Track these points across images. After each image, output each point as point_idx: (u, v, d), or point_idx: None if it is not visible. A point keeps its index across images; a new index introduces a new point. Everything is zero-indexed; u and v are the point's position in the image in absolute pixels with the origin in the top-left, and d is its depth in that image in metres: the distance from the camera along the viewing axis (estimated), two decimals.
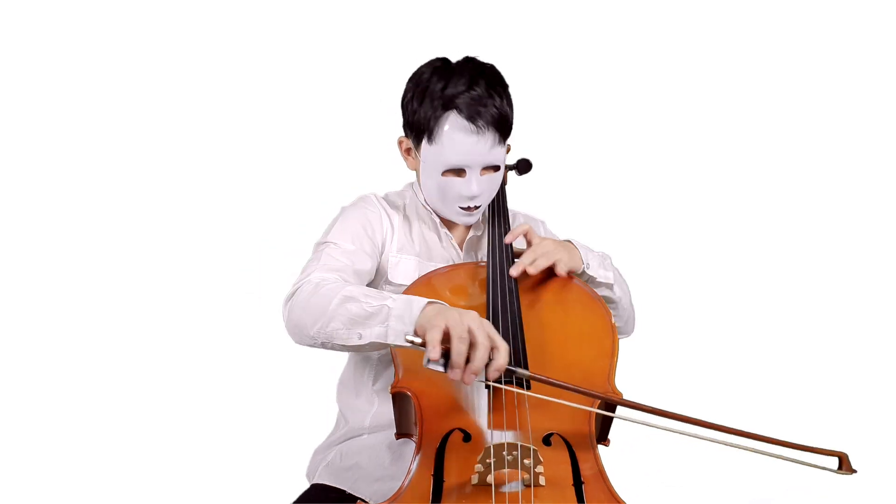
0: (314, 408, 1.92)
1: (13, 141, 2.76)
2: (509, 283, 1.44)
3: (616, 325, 1.67)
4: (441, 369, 1.15)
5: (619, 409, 1.27)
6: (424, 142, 1.50)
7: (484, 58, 1.57)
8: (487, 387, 1.29)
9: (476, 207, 1.54)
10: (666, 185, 2.89)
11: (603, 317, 1.42)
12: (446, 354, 1.15)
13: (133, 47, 2.81)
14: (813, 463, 1.21)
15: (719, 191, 2.89)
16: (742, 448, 1.18)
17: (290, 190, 2.77)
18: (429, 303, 1.22)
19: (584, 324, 1.42)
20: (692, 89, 2.90)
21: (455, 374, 1.15)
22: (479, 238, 1.66)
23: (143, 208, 2.80)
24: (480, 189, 1.50)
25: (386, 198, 1.66)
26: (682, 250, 2.79)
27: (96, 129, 2.80)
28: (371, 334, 1.24)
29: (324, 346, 1.32)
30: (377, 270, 1.56)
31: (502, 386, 1.23)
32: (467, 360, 1.15)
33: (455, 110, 1.45)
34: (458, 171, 1.49)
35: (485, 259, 1.58)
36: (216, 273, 2.75)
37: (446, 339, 1.15)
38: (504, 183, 1.76)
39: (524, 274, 1.45)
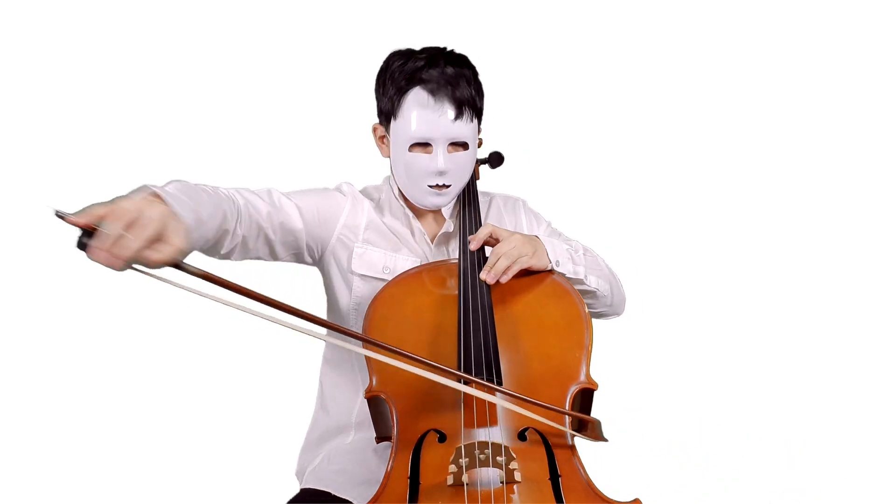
0: (302, 402, 1.92)
1: (12, 141, 2.76)
2: (480, 280, 1.43)
3: (603, 311, 1.67)
4: (83, 247, 0.96)
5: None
6: (392, 121, 1.51)
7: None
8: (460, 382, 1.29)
9: (445, 186, 1.52)
10: (657, 179, 2.87)
11: (576, 306, 1.41)
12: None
13: (125, 46, 2.80)
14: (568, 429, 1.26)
15: (711, 185, 2.86)
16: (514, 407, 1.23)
17: (278, 184, 2.77)
18: (153, 192, 1.07)
19: (556, 315, 1.41)
20: (688, 86, 2.88)
21: (94, 252, 0.95)
22: (450, 234, 1.65)
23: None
24: (447, 165, 1.49)
25: (363, 190, 1.66)
26: (672, 244, 2.78)
27: (88, 127, 2.79)
28: None
29: None
30: (339, 254, 1.57)
31: (473, 391, 1.23)
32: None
33: (418, 85, 1.47)
34: (425, 146, 1.50)
35: (455, 255, 1.59)
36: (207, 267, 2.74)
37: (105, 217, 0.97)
38: (476, 178, 1.76)
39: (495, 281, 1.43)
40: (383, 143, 1.59)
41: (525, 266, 1.45)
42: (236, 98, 2.81)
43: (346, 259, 1.57)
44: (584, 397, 1.33)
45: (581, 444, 1.28)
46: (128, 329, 2.69)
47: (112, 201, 0.98)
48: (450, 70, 1.49)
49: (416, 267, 1.53)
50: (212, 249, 1.36)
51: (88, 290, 2.71)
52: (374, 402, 1.33)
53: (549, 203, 1.82)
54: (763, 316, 2.76)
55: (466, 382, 1.24)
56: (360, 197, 1.62)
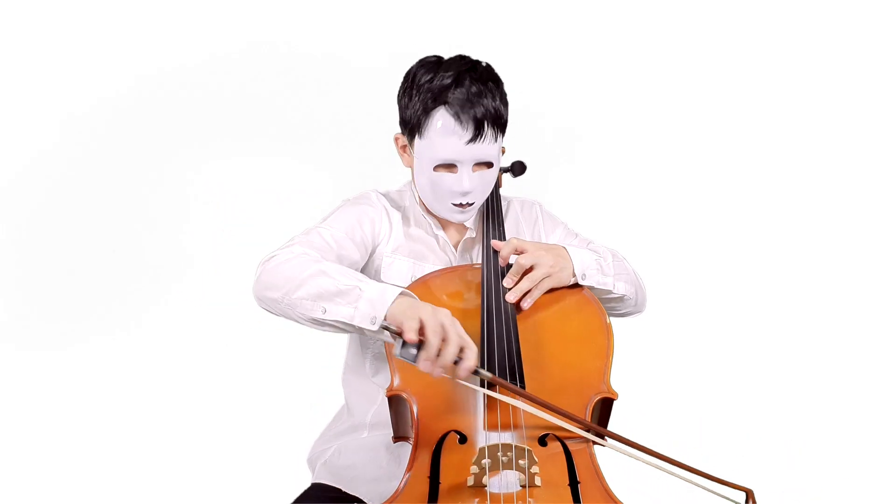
0: (315, 395, 1.93)
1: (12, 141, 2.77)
2: (503, 287, 1.44)
3: (627, 311, 1.66)
4: (412, 360, 1.18)
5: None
6: (416, 137, 1.50)
7: (485, 57, 1.57)
8: (483, 386, 1.30)
9: (469, 205, 1.52)
10: (656, 180, 2.88)
11: (597, 315, 1.43)
12: (417, 346, 1.17)
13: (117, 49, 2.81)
14: (722, 494, 1.22)
15: (710, 186, 2.87)
16: (660, 469, 1.22)
17: (290, 188, 2.78)
18: (401, 293, 1.23)
19: (578, 323, 1.42)
20: (689, 87, 2.90)
21: (425, 365, 1.17)
22: (474, 240, 1.65)
23: (139, 206, 2.79)
24: (472, 185, 1.49)
25: (387, 195, 1.65)
26: (673, 244, 2.78)
27: (79, 128, 2.81)
28: (337, 312, 1.24)
29: (285, 314, 1.31)
30: (368, 269, 1.57)
31: (497, 395, 1.24)
32: (438, 355, 1.17)
33: (445, 105, 1.45)
34: (450, 167, 1.49)
35: (478, 261, 1.59)
36: (217, 266, 2.75)
37: (421, 331, 1.17)
38: (499, 185, 1.77)
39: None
40: (405, 152, 1.59)
41: (548, 288, 1.45)
42: (235, 98, 2.82)
43: (377, 268, 1.57)
44: (604, 406, 1.34)
45: (600, 451, 1.29)
46: (139, 327, 2.70)
47: (409, 313, 1.18)
48: (475, 89, 1.46)
49: (439, 270, 1.54)
50: None
51: (95, 290, 2.73)
52: (394, 400, 1.34)
53: (548, 202, 1.83)
54: (763, 316, 2.77)
55: (490, 385, 1.24)
56: (389, 208, 1.61)
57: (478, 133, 1.45)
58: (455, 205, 1.52)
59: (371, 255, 1.57)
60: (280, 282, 1.30)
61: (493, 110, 1.47)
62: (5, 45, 2.72)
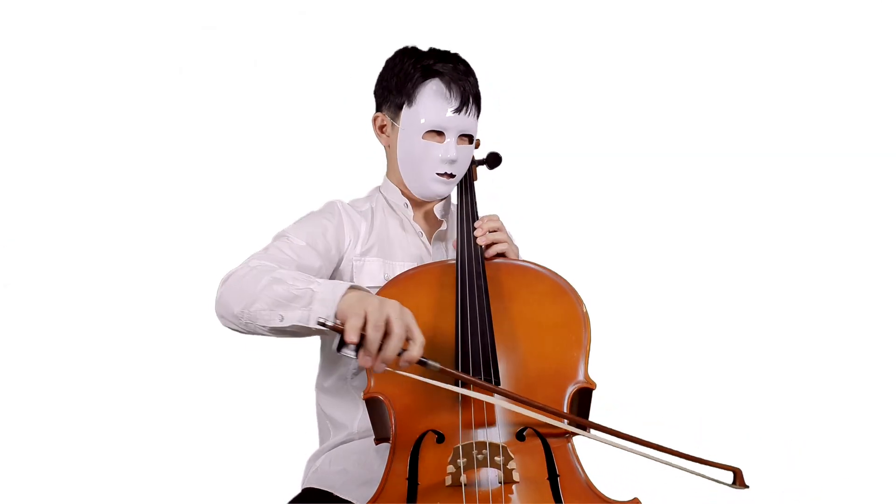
0: (308, 415, 1.92)
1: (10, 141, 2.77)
2: (478, 281, 1.43)
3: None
4: (352, 354, 1.15)
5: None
6: (405, 108, 1.58)
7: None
8: (457, 384, 1.29)
9: (452, 176, 1.59)
10: (655, 179, 2.86)
11: (574, 306, 1.41)
12: (361, 341, 1.14)
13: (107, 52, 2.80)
14: (710, 476, 1.22)
15: (709, 184, 2.85)
16: (645, 456, 1.22)
17: (262, 197, 2.76)
18: (350, 287, 1.21)
19: (554, 314, 1.41)
20: (683, 86, 2.88)
21: (365, 360, 1.14)
22: (444, 234, 1.68)
23: (128, 212, 2.77)
24: (458, 155, 1.57)
25: (352, 204, 1.68)
26: (673, 244, 2.77)
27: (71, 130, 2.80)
28: (293, 317, 1.23)
29: (247, 327, 1.31)
30: (341, 276, 1.58)
31: (471, 394, 1.23)
32: (380, 350, 1.14)
33: (437, 77, 1.56)
34: (438, 135, 1.57)
35: (452, 255, 1.58)
36: (205, 277, 2.74)
37: (365, 326, 1.14)
38: (474, 178, 1.76)
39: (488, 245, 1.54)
40: (383, 132, 1.65)
41: (502, 246, 1.54)
42: (220, 105, 2.80)
43: (349, 272, 1.58)
44: (583, 397, 1.33)
45: (580, 443, 1.28)
46: (130, 337, 2.69)
47: (354, 309, 1.14)
48: (462, 67, 1.60)
49: (413, 268, 1.53)
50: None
51: (87, 297, 2.72)
52: (372, 403, 1.33)
53: (549, 203, 1.82)
54: (763, 316, 2.74)
55: (464, 384, 1.24)
56: (352, 213, 1.64)
57: (464, 104, 1.56)
58: (439, 174, 1.58)
59: (339, 264, 1.58)
60: (237, 297, 1.30)
61: (474, 89, 1.60)
62: None
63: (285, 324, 1.24)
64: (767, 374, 2.68)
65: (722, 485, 1.22)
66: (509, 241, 1.58)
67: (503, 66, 2.66)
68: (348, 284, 1.22)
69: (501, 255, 1.55)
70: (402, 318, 1.15)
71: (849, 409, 2.60)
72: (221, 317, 1.35)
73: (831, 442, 2.55)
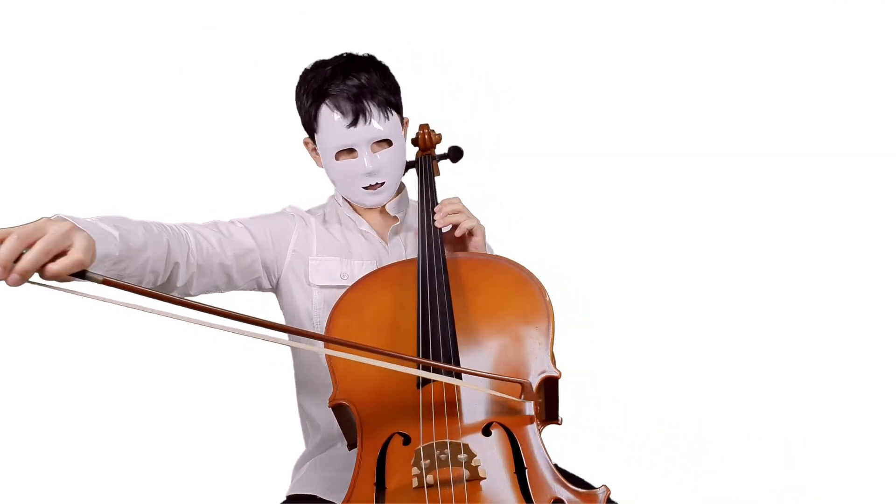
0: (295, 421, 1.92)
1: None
2: (439, 277, 1.42)
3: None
4: None
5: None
6: (316, 134, 1.59)
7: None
8: (419, 385, 1.28)
9: (379, 184, 1.59)
10: (653, 178, 2.85)
11: (536, 295, 1.40)
12: None
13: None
14: (501, 394, 1.24)
15: (709, 183, 2.83)
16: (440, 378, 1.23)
17: (263, 197, 2.74)
18: (56, 216, 1.09)
19: (517, 305, 1.39)
20: (682, 86, 2.87)
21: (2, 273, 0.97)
22: (399, 229, 1.69)
23: (129, 212, 2.77)
24: (375, 165, 1.56)
25: (310, 211, 1.71)
26: (674, 244, 2.76)
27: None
28: None
29: None
30: (298, 273, 1.59)
31: (433, 376, 1.22)
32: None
33: (326, 98, 1.54)
34: (349, 151, 1.57)
35: (411, 249, 1.62)
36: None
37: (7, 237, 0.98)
38: (435, 174, 1.75)
39: (449, 227, 1.55)
40: (316, 153, 1.66)
41: (470, 227, 1.54)
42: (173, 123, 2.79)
43: (304, 272, 1.59)
44: (549, 386, 1.32)
45: (549, 434, 1.27)
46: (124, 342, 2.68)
47: (20, 226, 0.99)
48: (352, 79, 1.54)
49: (375, 270, 1.53)
50: (167, 284, 1.39)
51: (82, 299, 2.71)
52: (338, 409, 1.32)
53: (548, 202, 1.81)
54: (763, 316, 2.73)
55: (426, 368, 1.23)
56: (305, 215, 1.67)
57: (358, 115, 1.53)
58: (365, 188, 1.59)
59: (283, 260, 1.59)
60: None
61: (375, 94, 1.55)
62: None
63: None
64: (767, 374, 2.66)
65: (512, 399, 1.24)
66: (472, 217, 1.56)
67: (503, 66, 2.67)
68: (66, 215, 1.11)
69: (470, 233, 1.55)
70: (63, 237, 1.00)
71: (849, 409, 2.58)
72: None
73: (831, 442, 2.53)
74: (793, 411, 2.57)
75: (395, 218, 1.70)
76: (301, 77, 1.62)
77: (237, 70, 2.83)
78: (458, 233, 1.55)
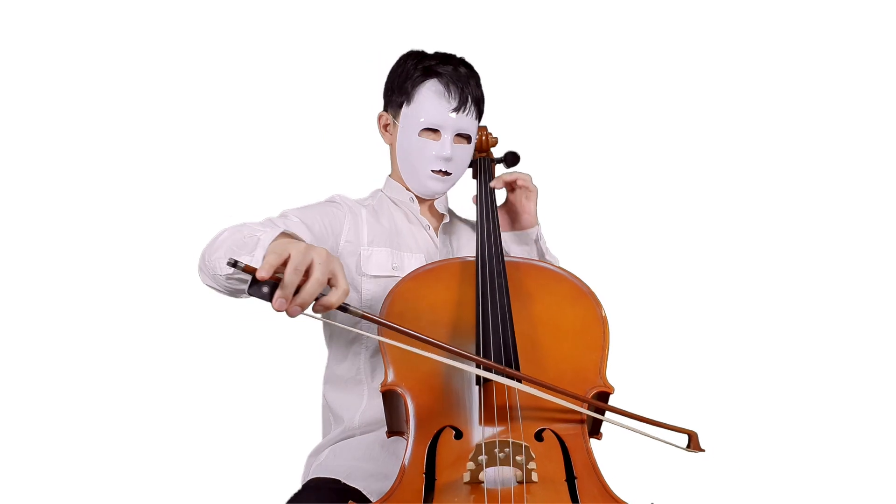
0: (308, 410, 1.91)
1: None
2: (499, 280, 1.43)
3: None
4: (264, 296, 1.05)
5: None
6: (404, 107, 1.63)
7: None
8: (478, 382, 1.28)
9: (447, 174, 1.64)
10: (654, 178, 2.87)
11: (593, 309, 1.41)
12: (277, 284, 1.05)
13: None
14: (664, 439, 1.23)
15: (710, 183, 2.86)
16: (605, 420, 1.26)
17: (264, 197, 2.73)
18: (282, 233, 1.16)
19: (573, 317, 1.41)
20: (684, 86, 2.89)
21: (279, 303, 1.04)
22: (451, 225, 1.74)
23: (129, 212, 2.75)
24: (453, 153, 1.61)
25: (357, 201, 1.71)
26: (674, 243, 2.78)
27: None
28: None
29: (214, 280, 1.26)
30: (348, 264, 1.58)
31: (496, 377, 1.22)
32: (297, 293, 1.05)
33: (435, 77, 1.61)
34: (434, 132, 1.62)
35: (466, 252, 1.64)
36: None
37: (285, 266, 1.05)
38: (492, 176, 1.76)
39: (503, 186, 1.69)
40: (387, 130, 1.70)
41: (526, 186, 1.69)
42: (225, 107, 2.79)
43: (355, 264, 1.59)
44: (600, 401, 1.33)
45: (597, 446, 1.28)
46: (131, 334, 2.67)
47: (277, 249, 1.06)
48: (462, 69, 1.65)
49: (433, 263, 1.53)
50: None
51: (85, 296, 2.69)
52: (388, 395, 1.32)
53: (548, 202, 1.81)
54: (763, 316, 2.76)
55: (487, 370, 1.23)
56: (354, 205, 1.67)
57: (462, 104, 1.60)
58: (434, 171, 1.63)
59: (338, 248, 1.58)
60: (208, 246, 1.28)
61: (474, 90, 1.65)
62: None
63: (234, 273, 1.18)
64: (767, 375, 2.69)
65: (678, 448, 1.23)
66: (529, 180, 1.69)
67: (505, 67, 2.67)
68: (282, 229, 1.17)
69: (524, 188, 1.69)
70: (327, 263, 1.06)
71: (849, 409, 2.61)
72: (199, 270, 1.32)
73: (831, 442, 2.56)
74: (792, 411, 2.59)
75: (443, 215, 1.72)
76: (400, 60, 1.69)
77: (237, 70, 2.82)
78: (519, 184, 1.68)
